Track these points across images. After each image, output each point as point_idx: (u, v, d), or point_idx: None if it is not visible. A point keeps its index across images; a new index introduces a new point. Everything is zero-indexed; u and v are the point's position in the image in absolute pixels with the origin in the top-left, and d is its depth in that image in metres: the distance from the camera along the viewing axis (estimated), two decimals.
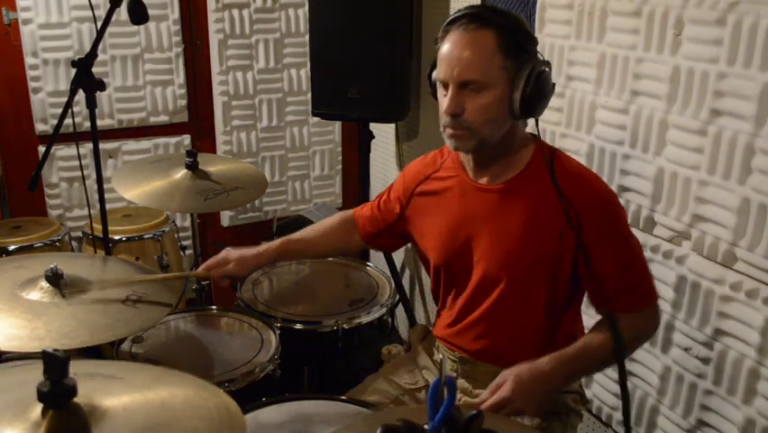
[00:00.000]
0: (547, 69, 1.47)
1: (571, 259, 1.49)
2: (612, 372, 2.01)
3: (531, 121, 1.53)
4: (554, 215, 1.47)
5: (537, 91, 1.44)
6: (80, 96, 1.90)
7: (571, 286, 1.54)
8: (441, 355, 1.70)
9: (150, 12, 1.98)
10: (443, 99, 1.49)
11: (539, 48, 1.51)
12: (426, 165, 1.73)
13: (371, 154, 3.08)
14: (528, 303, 1.55)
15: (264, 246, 1.88)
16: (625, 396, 1.40)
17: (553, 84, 1.49)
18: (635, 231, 1.85)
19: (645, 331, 1.58)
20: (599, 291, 1.50)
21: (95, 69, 1.90)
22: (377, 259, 2.94)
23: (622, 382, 1.40)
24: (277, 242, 1.89)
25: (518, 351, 1.51)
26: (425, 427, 0.88)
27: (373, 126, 3.03)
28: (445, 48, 1.47)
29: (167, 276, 1.79)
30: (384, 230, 1.83)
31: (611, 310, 1.48)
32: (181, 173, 2.28)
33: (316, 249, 1.95)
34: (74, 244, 2.91)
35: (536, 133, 1.55)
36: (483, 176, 1.58)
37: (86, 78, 1.88)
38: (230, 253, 1.85)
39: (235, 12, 3.12)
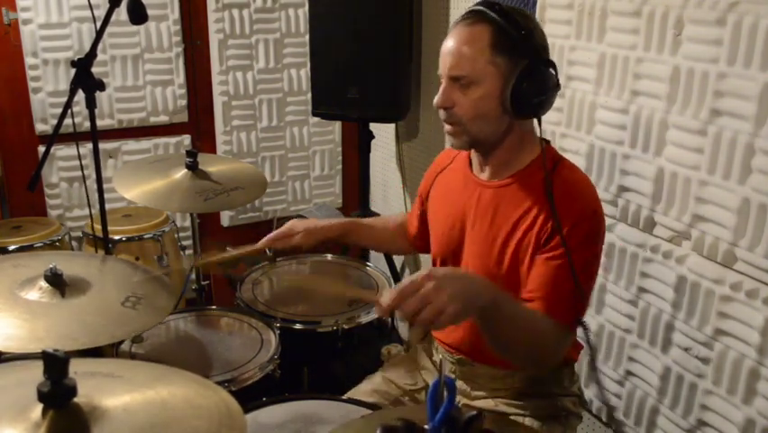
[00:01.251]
0: (548, 69, 1.44)
1: (570, 264, 1.43)
2: (612, 372, 2.01)
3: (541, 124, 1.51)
4: (541, 220, 1.45)
5: (531, 90, 1.41)
6: (80, 96, 1.90)
7: None
8: (440, 356, 1.69)
9: (150, 12, 1.98)
10: None
11: None
12: (444, 158, 1.75)
13: (371, 154, 3.08)
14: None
15: (333, 221, 1.92)
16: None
17: (557, 83, 1.46)
18: (634, 231, 1.86)
19: (546, 339, 1.40)
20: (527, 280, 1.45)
21: (94, 69, 1.90)
22: (377, 259, 2.94)
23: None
24: (346, 219, 1.93)
25: None
26: (425, 427, 0.88)
27: (373, 126, 3.03)
28: (444, 43, 1.48)
29: (224, 256, 1.80)
30: (417, 234, 1.86)
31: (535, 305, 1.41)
32: (181, 173, 2.28)
33: (378, 238, 1.97)
34: (74, 243, 2.91)
35: (539, 132, 1.51)
36: (484, 171, 1.58)
37: (85, 77, 1.87)
38: (296, 224, 1.84)
39: (235, 12, 3.12)
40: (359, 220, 1.94)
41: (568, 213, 1.43)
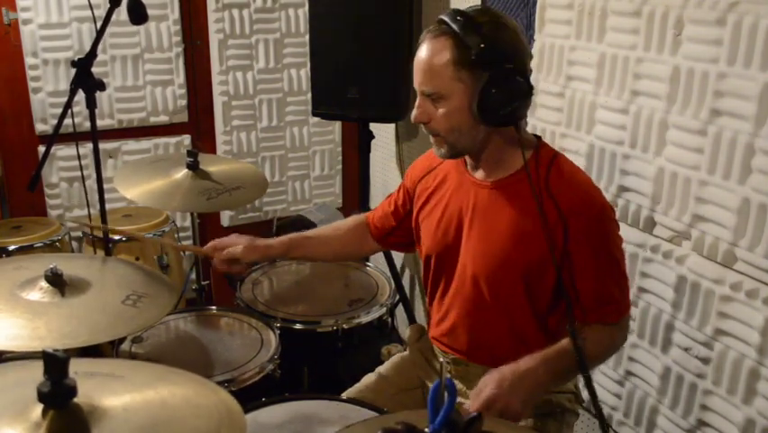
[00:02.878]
0: (515, 77, 1.39)
1: (555, 263, 1.46)
2: (612, 372, 2.01)
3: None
4: (548, 220, 1.44)
5: (498, 101, 1.38)
6: (80, 95, 1.90)
7: (557, 289, 1.51)
8: (442, 359, 1.69)
9: (150, 12, 1.98)
10: None
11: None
12: (431, 158, 1.71)
13: (371, 154, 3.08)
14: (513, 304, 1.53)
15: (274, 239, 1.87)
16: (597, 409, 1.39)
17: (529, 90, 1.42)
18: (634, 231, 1.86)
19: (614, 343, 1.57)
20: (575, 300, 1.48)
21: (95, 69, 1.91)
22: (377, 259, 2.94)
23: (591, 392, 1.39)
24: (287, 236, 1.86)
25: (506, 351, 1.49)
26: (426, 430, 0.88)
27: (373, 126, 3.03)
28: (416, 53, 1.47)
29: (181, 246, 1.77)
30: (395, 227, 1.83)
31: (583, 322, 1.48)
32: (182, 173, 2.28)
33: (328, 249, 1.90)
34: (74, 244, 2.91)
35: (521, 137, 1.48)
36: (479, 171, 1.57)
37: (85, 77, 1.88)
38: (239, 237, 1.84)
39: (235, 12, 3.11)
40: (303, 234, 1.88)
41: (571, 205, 1.44)
